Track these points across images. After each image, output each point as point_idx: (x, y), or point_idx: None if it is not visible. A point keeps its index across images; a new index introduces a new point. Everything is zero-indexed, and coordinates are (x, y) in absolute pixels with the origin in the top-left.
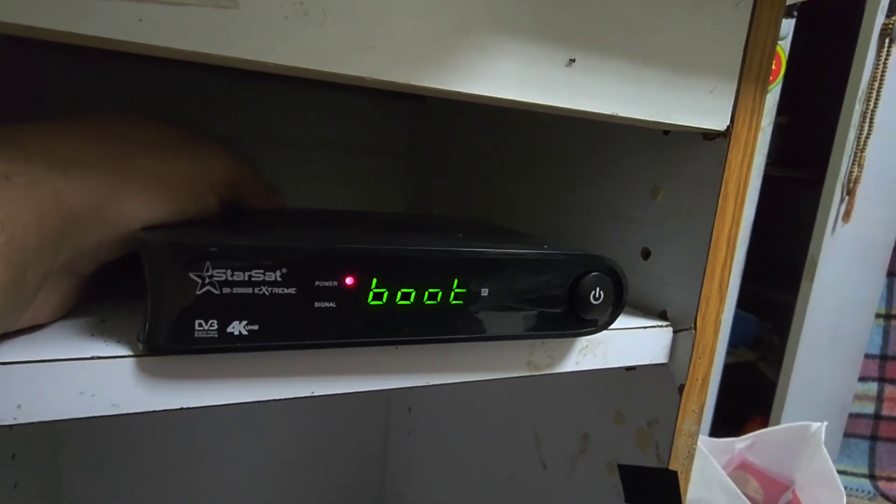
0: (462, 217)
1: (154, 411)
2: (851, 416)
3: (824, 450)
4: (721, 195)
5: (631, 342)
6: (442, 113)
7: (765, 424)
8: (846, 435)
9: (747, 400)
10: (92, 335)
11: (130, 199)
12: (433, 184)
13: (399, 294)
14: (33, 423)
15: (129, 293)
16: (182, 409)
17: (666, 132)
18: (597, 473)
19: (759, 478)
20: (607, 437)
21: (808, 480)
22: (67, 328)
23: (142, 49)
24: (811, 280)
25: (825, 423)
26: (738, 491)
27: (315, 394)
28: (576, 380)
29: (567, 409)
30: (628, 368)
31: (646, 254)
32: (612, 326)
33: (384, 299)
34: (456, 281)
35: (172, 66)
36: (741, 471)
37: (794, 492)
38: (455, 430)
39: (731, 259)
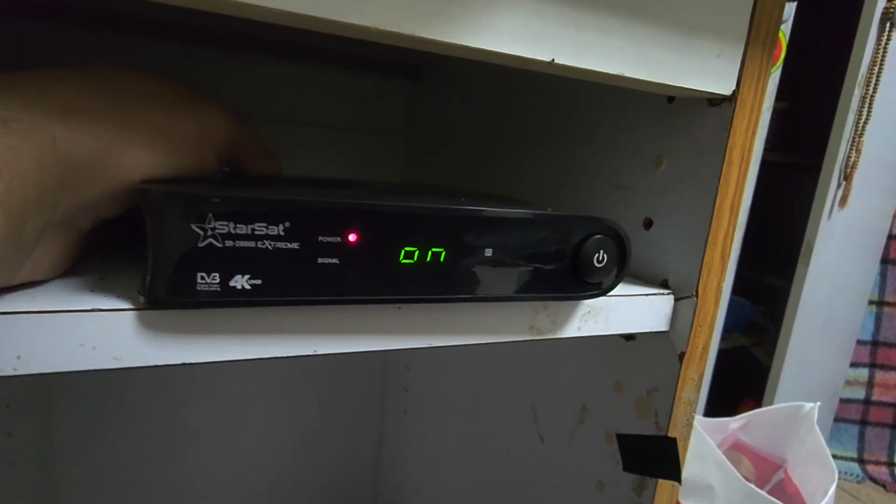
0: (465, 188)
1: (156, 366)
2: (842, 400)
3: (817, 429)
4: (725, 162)
5: (632, 309)
6: (440, 90)
7: (758, 408)
8: (836, 419)
9: (741, 385)
10: (92, 290)
11: (131, 151)
12: (431, 161)
13: (403, 252)
14: (32, 376)
15: (127, 255)
16: (184, 364)
17: (670, 99)
18: (595, 443)
19: (751, 457)
20: (606, 407)
21: (800, 459)
22: (66, 284)
23: None
24: (807, 264)
25: (818, 403)
26: (733, 468)
27: (317, 352)
28: (575, 351)
29: (566, 381)
30: (628, 338)
31: (648, 223)
32: (614, 293)
33: (388, 257)
34: (460, 240)
35: (161, 38)
36: (734, 451)
37: (785, 470)
38: (451, 408)
39: (734, 227)
